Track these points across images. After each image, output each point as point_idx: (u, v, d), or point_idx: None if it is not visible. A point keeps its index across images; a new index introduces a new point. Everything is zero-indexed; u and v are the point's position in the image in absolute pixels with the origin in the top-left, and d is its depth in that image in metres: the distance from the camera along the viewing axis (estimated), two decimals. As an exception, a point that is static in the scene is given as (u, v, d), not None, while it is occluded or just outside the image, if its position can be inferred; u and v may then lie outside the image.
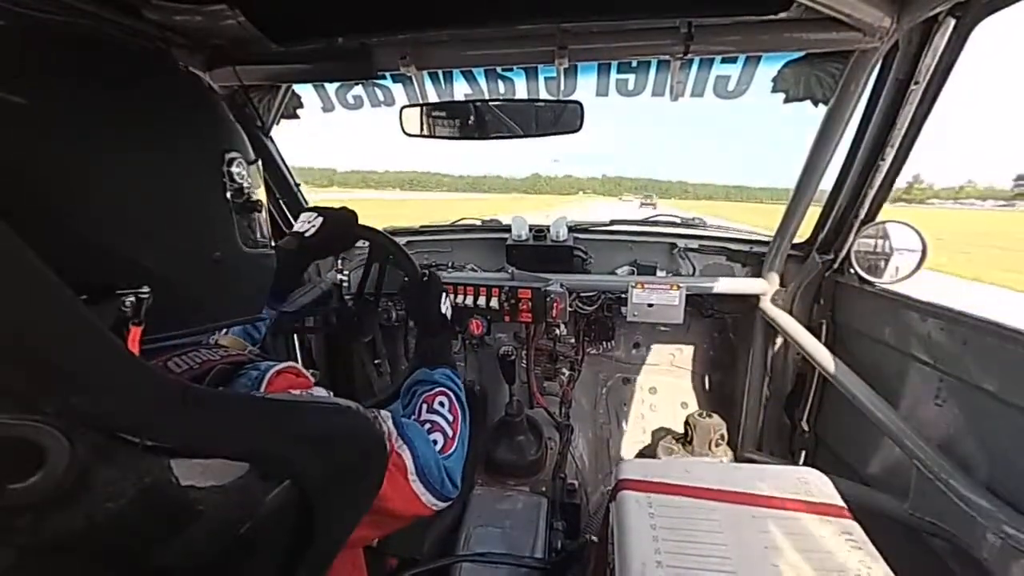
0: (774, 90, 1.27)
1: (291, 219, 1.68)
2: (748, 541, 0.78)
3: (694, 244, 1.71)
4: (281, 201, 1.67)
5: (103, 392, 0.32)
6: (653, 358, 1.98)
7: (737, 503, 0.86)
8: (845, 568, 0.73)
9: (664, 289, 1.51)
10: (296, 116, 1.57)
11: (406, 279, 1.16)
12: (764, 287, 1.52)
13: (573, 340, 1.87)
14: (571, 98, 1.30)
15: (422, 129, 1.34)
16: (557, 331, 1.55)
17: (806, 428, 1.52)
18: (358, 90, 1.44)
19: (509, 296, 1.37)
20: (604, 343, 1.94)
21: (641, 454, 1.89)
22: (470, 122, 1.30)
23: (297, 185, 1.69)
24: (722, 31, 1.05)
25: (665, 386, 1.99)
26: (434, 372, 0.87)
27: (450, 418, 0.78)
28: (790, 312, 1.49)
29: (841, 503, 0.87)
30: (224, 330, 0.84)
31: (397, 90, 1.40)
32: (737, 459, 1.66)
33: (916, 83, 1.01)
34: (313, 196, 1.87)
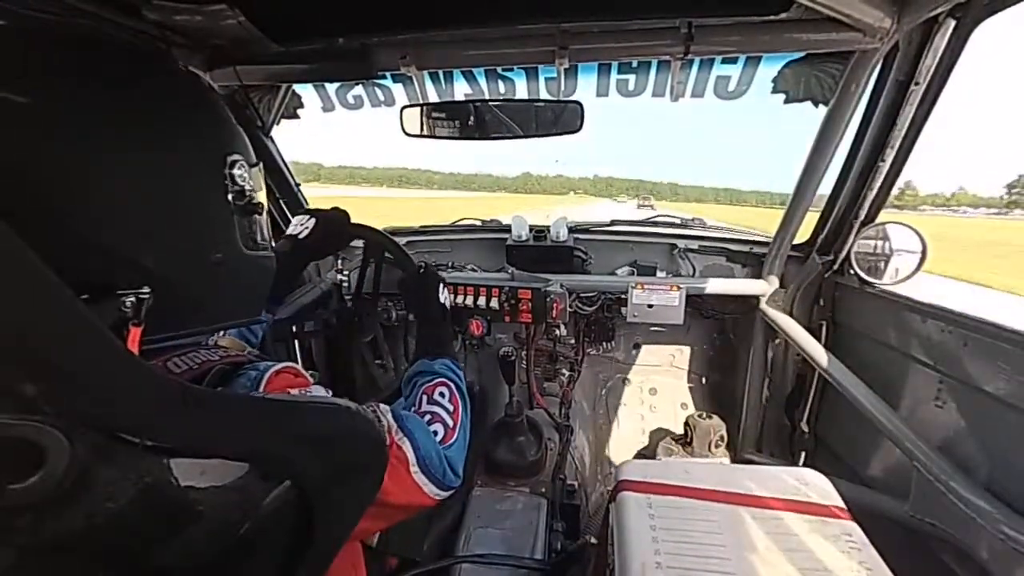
0: (774, 91, 1.27)
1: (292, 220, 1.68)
2: (748, 542, 0.78)
3: (694, 245, 1.71)
4: (281, 201, 1.68)
5: (103, 392, 0.32)
6: (653, 359, 1.98)
7: (737, 504, 0.86)
8: (845, 569, 0.73)
9: (664, 290, 1.51)
10: (296, 116, 1.58)
11: (404, 273, 1.16)
12: (764, 288, 1.52)
13: (573, 341, 1.87)
14: (571, 98, 1.30)
15: (422, 129, 1.34)
16: (557, 331, 1.55)
17: (806, 429, 1.52)
18: (358, 90, 1.44)
19: (509, 296, 1.37)
20: (604, 344, 1.94)
21: (641, 455, 1.89)
22: (470, 122, 1.30)
23: (297, 185, 1.69)
24: (722, 31, 1.05)
25: (665, 387, 1.99)
26: (434, 363, 0.87)
27: (450, 408, 0.78)
28: (790, 313, 1.49)
29: (841, 504, 0.87)
30: (223, 331, 0.84)
31: (397, 90, 1.41)
32: (737, 460, 1.66)
33: (916, 84, 1.01)
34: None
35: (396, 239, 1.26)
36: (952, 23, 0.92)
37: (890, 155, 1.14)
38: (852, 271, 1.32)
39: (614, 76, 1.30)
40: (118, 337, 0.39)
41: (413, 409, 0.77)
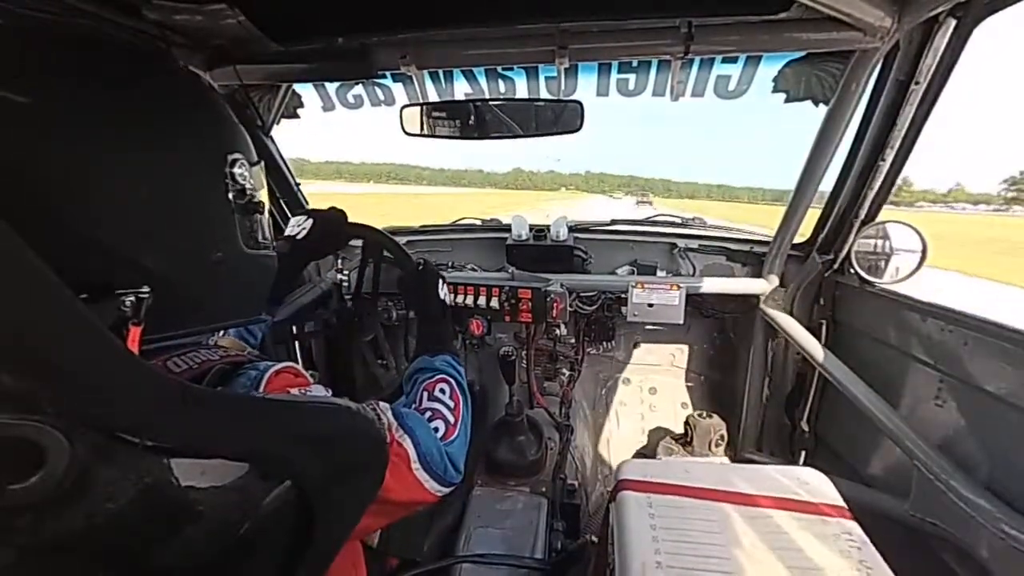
0: (775, 90, 1.27)
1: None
2: (748, 541, 0.78)
3: (694, 244, 1.71)
4: (281, 201, 1.67)
5: (103, 392, 0.32)
6: (653, 358, 1.98)
7: (737, 503, 0.86)
8: (845, 569, 0.73)
9: (664, 289, 1.51)
10: (296, 116, 1.58)
11: (403, 271, 1.16)
12: (764, 287, 1.52)
13: (573, 340, 1.87)
14: (571, 98, 1.30)
15: (422, 128, 1.34)
16: (557, 331, 1.55)
17: (806, 428, 1.52)
18: (358, 89, 1.44)
19: (509, 296, 1.37)
20: (604, 343, 1.94)
21: (641, 454, 1.89)
22: (470, 121, 1.29)
23: (298, 185, 1.69)
24: (722, 31, 1.05)
25: (665, 386, 1.99)
26: (435, 359, 0.87)
27: (451, 404, 0.78)
28: (790, 312, 1.49)
29: (841, 503, 0.87)
30: (223, 331, 0.84)
31: (397, 89, 1.40)
32: (737, 459, 1.66)
33: (917, 83, 1.01)
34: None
35: (397, 239, 1.26)
36: (952, 22, 0.92)
37: (890, 154, 1.14)
38: (852, 270, 1.32)
39: (614, 75, 1.30)
40: (118, 337, 0.39)
41: (414, 406, 0.77)
